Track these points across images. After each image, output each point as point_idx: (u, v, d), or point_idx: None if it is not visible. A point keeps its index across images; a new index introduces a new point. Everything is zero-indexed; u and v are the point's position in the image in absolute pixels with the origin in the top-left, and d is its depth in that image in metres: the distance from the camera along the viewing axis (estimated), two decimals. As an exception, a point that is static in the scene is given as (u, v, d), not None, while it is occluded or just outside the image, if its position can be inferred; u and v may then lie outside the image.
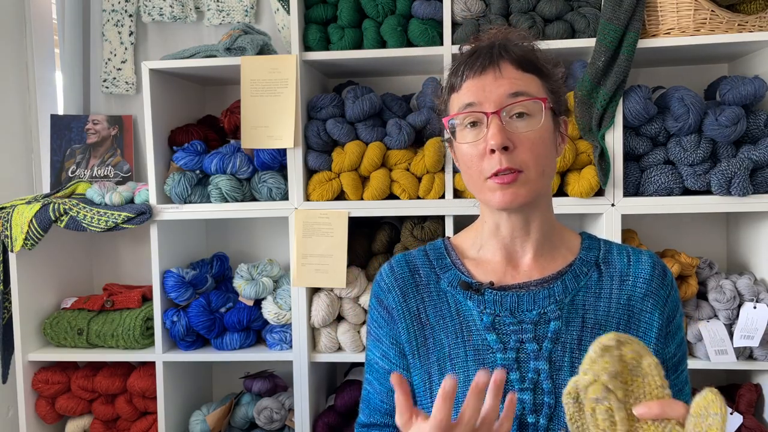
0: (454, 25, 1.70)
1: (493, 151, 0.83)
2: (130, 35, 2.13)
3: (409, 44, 1.74)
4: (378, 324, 0.95)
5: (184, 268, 1.85)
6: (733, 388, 1.79)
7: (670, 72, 1.93)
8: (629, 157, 1.67)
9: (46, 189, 2.15)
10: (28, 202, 1.82)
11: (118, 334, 1.82)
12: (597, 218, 1.70)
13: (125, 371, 1.90)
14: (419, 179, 1.73)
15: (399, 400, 0.70)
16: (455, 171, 1.69)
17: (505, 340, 0.87)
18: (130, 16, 2.13)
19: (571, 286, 0.90)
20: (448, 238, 1.00)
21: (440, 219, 1.78)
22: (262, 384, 1.91)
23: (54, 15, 2.24)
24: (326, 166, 1.74)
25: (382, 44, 1.75)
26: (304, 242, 1.72)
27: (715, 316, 1.66)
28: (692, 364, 1.64)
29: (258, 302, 1.85)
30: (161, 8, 2.09)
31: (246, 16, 2.07)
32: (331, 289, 1.77)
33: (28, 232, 1.76)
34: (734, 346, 1.61)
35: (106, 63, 2.14)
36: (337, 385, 2.03)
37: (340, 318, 1.82)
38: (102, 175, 2.09)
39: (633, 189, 1.66)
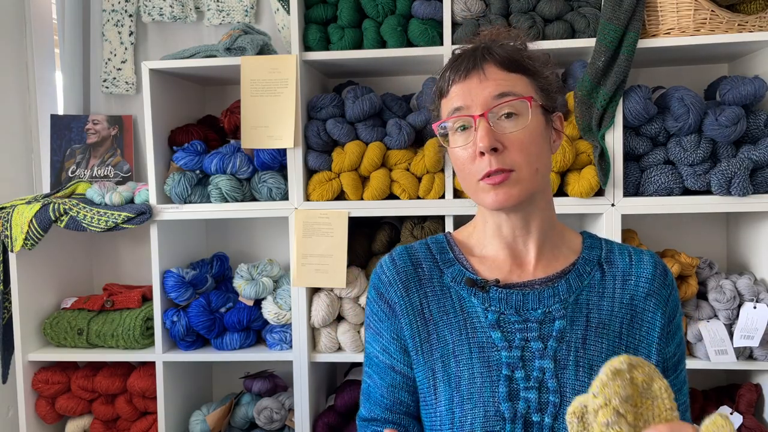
0: (454, 25, 1.70)
1: (482, 153, 0.84)
2: (130, 35, 2.13)
3: (409, 44, 1.74)
4: (378, 318, 0.95)
5: (184, 268, 1.85)
6: (733, 388, 1.79)
7: (670, 72, 1.93)
8: (629, 157, 1.67)
9: (46, 189, 2.15)
10: (28, 202, 1.82)
11: (118, 334, 1.82)
12: (597, 218, 1.70)
13: (125, 371, 1.90)
14: (419, 179, 1.73)
15: None
16: (455, 171, 1.69)
17: (510, 338, 0.87)
18: (130, 16, 2.13)
19: (575, 285, 0.90)
20: (450, 233, 1.00)
21: (440, 219, 1.78)
22: (262, 384, 1.91)
23: (54, 15, 2.23)
24: (326, 166, 1.74)
25: (382, 44, 1.75)
26: (304, 242, 1.72)
27: (715, 316, 1.66)
28: (692, 364, 1.64)
29: (258, 302, 1.85)
30: (161, 8, 2.09)
31: (246, 16, 2.07)
32: (331, 289, 1.77)
33: (28, 232, 1.76)
34: (734, 346, 1.61)
35: (106, 63, 2.14)
36: (337, 385, 2.03)
37: (340, 318, 1.82)
38: (102, 175, 2.09)
39: (633, 189, 1.66)
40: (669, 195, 1.63)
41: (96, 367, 1.92)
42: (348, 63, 1.80)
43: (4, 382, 1.88)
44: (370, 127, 1.73)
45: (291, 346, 1.79)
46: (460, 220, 1.64)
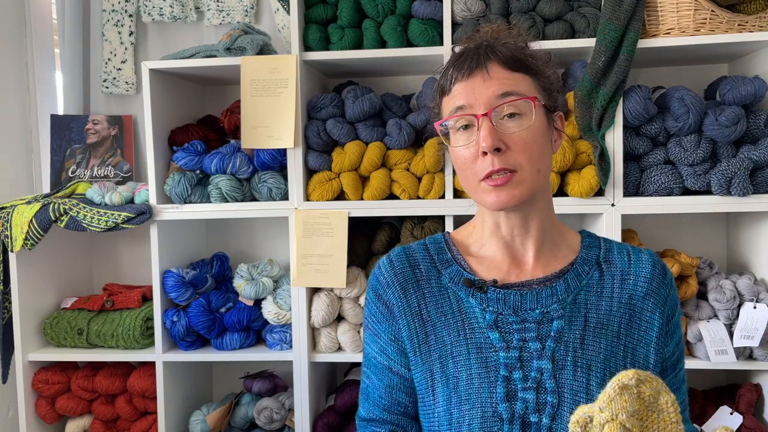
0: (454, 25, 1.70)
1: (485, 153, 0.84)
2: (130, 35, 2.13)
3: (409, 44, 1.74)
4: (376, 319, 0.95)
5: (184, 268, 1.85)
6: (733, 388, 1.79)
7: (670, 72, 1.93)
8: (629, 157, 1.67)
9: (46, 189, 2.15)
10: (28, 202, 1.82)
11: (118, 334, 1.82)
12: (597, 218, 1.70)
13: (125, 371, 1.90)
14: (419, 179, 1.73)
15: None
16: (455, 171, 1.69)
17: (508, 338, 0.87)
18: (130, 16, 2.13)
19: (574, 285, 0.90)
20: (448, 232, 1.00)
21: (440, 219, 1.78)
22: (262, 384, 1.91)
23: (54, 15, 2.24)
24: (326, 166, 1.74)
25: (382, 44, 1.75)
26: (304, 242, 1.72)
27: (715, 316, 1.66)
28: (692, 364, 1.64)
29: (258, 302, 1.85)
30: (161, 8, 2.09)
31: (246, 16, 2.07)
32: (331, 289, 1.77)
33: (28, 232, 1.76)
34: (734, 346, 1.61)
35: (106, 63, 2.14)
36: (337, 385, 2.03)
37: (340, 318, 1.82)
38: (102, 175, 2.09)
39: (633, 189, 1.66)
40: (669, 195, 1.63)
41: (96, 367, 1.92)
42: (348, 63, 1.80)
43: (4, 382, 1.88)
44: (370, 127, 1.73)
45: (291, 346, 1.79)
46: (460, 220, 1.64)
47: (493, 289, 0.89)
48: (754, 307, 1.60)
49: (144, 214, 1.75)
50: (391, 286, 0.94)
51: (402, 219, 1.85)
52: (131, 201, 1.84)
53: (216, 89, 2.12)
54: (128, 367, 1.91)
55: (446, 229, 1.72)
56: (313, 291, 1.79)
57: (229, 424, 1.92)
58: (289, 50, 1.91)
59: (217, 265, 1.96)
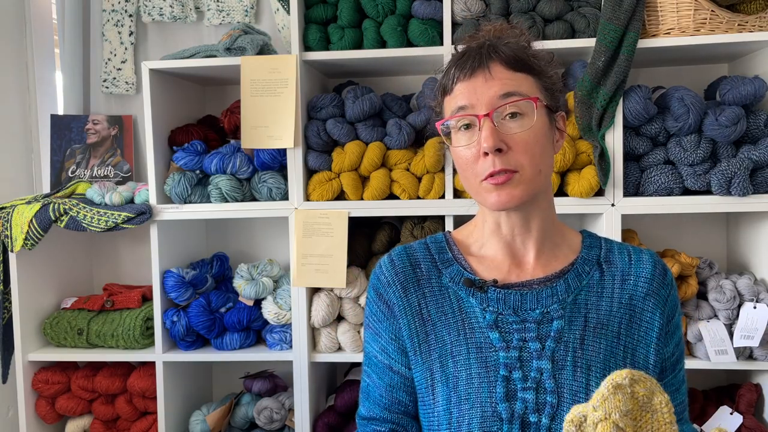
0: (454, 25, 1.70)
1: (486, 153, 0.83)
2: (130, 35, 2.13)
3: (409, 44, 1.74)
4: (377, 318, 0.95)
5: (184, 268, 1.85)
6: (733, 388, 1.79)
7: (670, 72, 1.93)
8: (629, 157, 1.67)
9: (46, 189, 2.15)
10: (28, 202, 1.82)
11: (118, 334, 1.82)
12: (597, 218, 1.70)
13: (125, 371, 1.90)
14: (419, 179, 1.73)
15: None
16: (455, 171, 1.69)
17: (508, 338, 0.87)
18: (130, 16, 2.13)
19: (574, 285, 0.90)
20: (449, 232, 1.00)
21: (440, 219, 1.78)
22: (262, 384, 1.91)
23: (54, 15, 2.23)
24: (326, 166, 1.74)
25: (382, 44, 1.75)
26: (304, 242, 1.72)
27: (715, 316, 1.66)
28: (692, 364, 1.64)
29: (258, 302, 1.85)
30: (161, 8, 2.09)
31: (246, 16, 2.07)
32: (331, 289, 1.77)
33: (28, 232, 1.76)
34: (734, 346, 1.61)
35: (106, 63, 2.14)
36: (337, 385, 2.03)
37: (340, 318, 1.82)
38: (102, 175, 2.09)
39: (633, 189, 1.66)
40: (669, 195, 1.63)
41: (96, 367, 1.92)
42: (348, 63, 1.80)
43: (4, 382, 1.88)
44: (370, 127, 1.73)
45: (291, 346, 1.79)
46: (460, 220, 1.64)
47: (493, 288, 0.89)
48: (754, 307, 1.60)
49: (144, 214, 1.75)
50: (392, 285, 0.94)
51: (402, 219, 1.85)
52: (131, 201, 1.84)
53: (216, 89, 2.12)
54: (128, 367, 1.91)
55: (446, 229, 1.72)
56: (313, 291, 1.79)
57: (229, 424, 1.92)
58: (289, 50, 1.91)
59: (217, 265, 1.96)
